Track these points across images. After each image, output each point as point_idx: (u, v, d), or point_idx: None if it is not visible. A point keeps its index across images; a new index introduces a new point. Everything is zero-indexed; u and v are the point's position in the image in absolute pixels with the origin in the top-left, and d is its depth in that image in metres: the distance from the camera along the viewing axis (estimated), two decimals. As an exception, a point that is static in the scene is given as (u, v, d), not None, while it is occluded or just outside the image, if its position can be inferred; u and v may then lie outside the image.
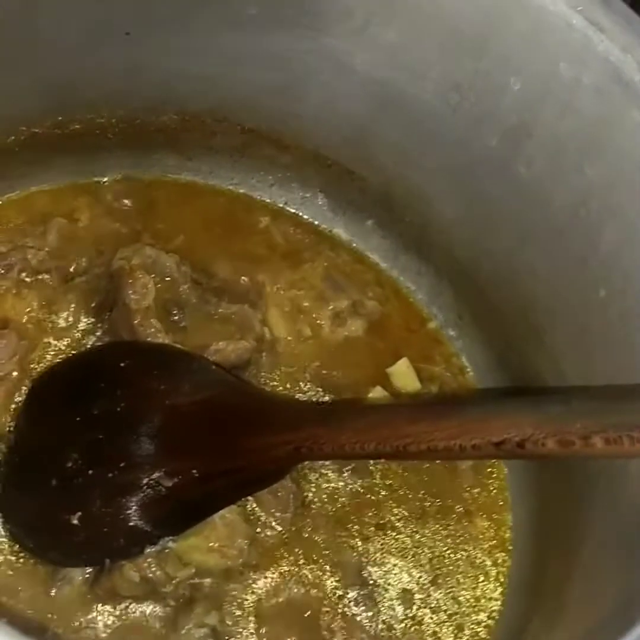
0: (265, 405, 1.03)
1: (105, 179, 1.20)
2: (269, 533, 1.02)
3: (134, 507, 0.91)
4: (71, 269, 1.11)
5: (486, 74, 0.94)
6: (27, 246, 1.09)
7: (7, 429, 0.99)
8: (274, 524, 1.02)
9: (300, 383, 1.12)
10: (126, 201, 1.18)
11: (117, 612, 0.94)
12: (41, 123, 1.09)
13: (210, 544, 0.95)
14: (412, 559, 1.06)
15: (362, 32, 0.98)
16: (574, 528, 0.97)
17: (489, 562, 1.08)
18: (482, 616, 1.05)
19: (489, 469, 1.13)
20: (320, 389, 1.12)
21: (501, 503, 1.12)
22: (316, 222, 1.27)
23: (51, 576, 0.94)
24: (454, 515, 1.10)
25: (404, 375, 1.15)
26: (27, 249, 1.08)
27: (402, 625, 1.02)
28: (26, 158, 1.11)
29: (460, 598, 1.05)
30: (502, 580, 1.08)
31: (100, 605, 0.94)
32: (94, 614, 0.94)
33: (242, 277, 1.17)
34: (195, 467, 0.93)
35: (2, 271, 1.06)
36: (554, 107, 0.91)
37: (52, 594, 0.94)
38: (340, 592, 1.02)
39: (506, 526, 1.11)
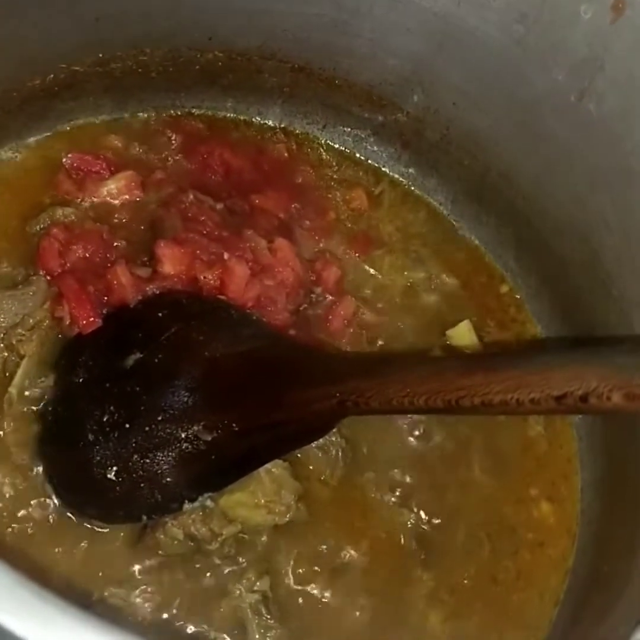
0: (307, 357, 0.99)
1: (150, 116, 1.18)
2: (318, 489, 0.99)
3: (171, 462, 0.89)
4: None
5: (554, 3, 0.90)
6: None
7: (40, 380, 0.96)
8: (323, 480, 0.99)
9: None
10: (168, 139, 1.16)
11: (162, 573, 0.91)
12: (81, 61, 1.06)
13: (257, 500, 0.93)
14: (472, 520, 1.03)
15: (419, -42, 0.94)
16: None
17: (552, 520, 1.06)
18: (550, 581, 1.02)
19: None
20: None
21: (568, 468, 1.09)
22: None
23: (93, 534, 0.92)
24: (519, 492, 1.06)
25: (464, 335, 1.10)
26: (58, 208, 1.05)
27: (461, 591, 0.98)
28: (66, 97, 1.09)
29: (523, 568, 1.02)
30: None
31: (144, 564, 0.92)
32: (138, 574, 0.91)
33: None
34: (235, 421, 0.90)
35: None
36: (629, 36, 0.85)
37: (94, 552, 0.91)
38: (396, 553, 0.98)
39: (575, 490, 1.08)
